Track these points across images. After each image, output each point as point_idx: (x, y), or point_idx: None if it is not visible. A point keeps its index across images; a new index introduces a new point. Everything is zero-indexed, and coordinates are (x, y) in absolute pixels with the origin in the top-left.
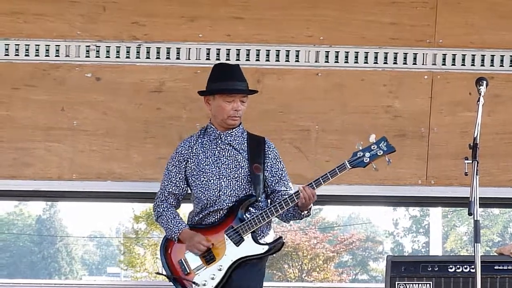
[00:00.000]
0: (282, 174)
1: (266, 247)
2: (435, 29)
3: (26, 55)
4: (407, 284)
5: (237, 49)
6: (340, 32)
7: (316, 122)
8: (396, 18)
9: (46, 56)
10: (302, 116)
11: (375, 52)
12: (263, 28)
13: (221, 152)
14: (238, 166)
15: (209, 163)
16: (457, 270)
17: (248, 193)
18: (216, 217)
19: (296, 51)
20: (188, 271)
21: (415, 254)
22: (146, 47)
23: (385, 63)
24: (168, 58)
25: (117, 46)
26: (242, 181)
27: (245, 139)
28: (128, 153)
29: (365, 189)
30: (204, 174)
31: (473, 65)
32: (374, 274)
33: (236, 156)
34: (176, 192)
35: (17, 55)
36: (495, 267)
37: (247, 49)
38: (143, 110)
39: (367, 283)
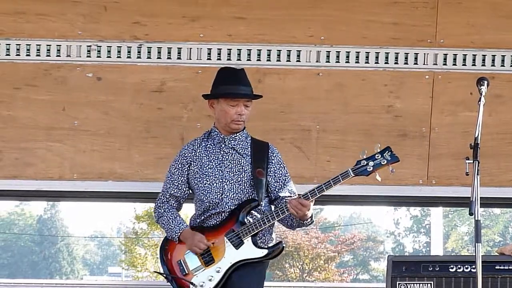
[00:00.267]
0: (285, 180)
1: (265, 251)
2: (436, 29)
3: (27, 55)
4: (408, 284)
5: (238, 49)
6: (341, 32)
7: (317, 122)
8: (397, 18)
9: (48, 56)
10: (303, 116)
11: (376, 52)
12: (264, 28)
13: (224, 156)
14: (241, 170)
15: (212, 166)
16: (458, 270)
17: (250, 197)
18: (217, 220)
19: (297, 51)
20: (186, 272)
21: (416, 254)
22: (147, 47)
23: (386, 63)
24: (169, 58)
25: (118, 46)
26: (245, 185)
27: (249, 143)
28: (129, 153)
29: (366, 189)
30: (207, 177)
31: (474, 65)
32: (375, 274)
33: (240, 160)
34: (178, 195)
35: (19, 55)
36: (496, 267)
37: (248, 49)
38: (144, 110)
39: (368, 283)
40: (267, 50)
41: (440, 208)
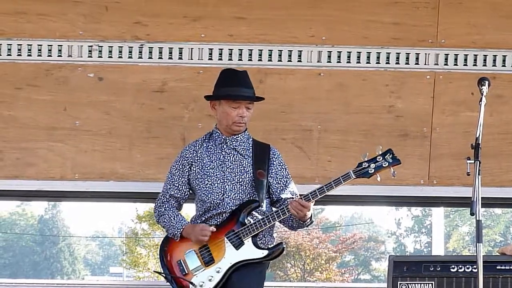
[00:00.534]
0: (287, 182)
1: (265, 252)
2: (437, 29)
3: (28, 55)
4: (409, 284)
5: (239, 49)
6: (342, 32)
7: (318, 122)
8: (398, 18)
9: (49, 56)
10: (304, 116)
11: (377, 52)
12: (265, 28)
13: (226, 157)
14: (242, 171)
15: (213, 167)
16: (459, 270)
17: (251, 197)
18: (218, 220)
19: (298, 51)
20: (186, 272)
21: (417, 254)
22: (149, 47)
23: (387, 63)
24: (170, 58)
25: (119, 46)
26: (246, 185)
27: (250, 145)
28: (131, 153)
29: (368, 189)
30: (208, 177)
31: (475, 65)
32: (377, 274)
33: (241, 161)
34: (178, 195)
35: (20, 55)
36: (497, 267)
37: (249, 49)
38: (145, 110)
39: (370, 283)
40: (269, 50)
41: (441, 208)
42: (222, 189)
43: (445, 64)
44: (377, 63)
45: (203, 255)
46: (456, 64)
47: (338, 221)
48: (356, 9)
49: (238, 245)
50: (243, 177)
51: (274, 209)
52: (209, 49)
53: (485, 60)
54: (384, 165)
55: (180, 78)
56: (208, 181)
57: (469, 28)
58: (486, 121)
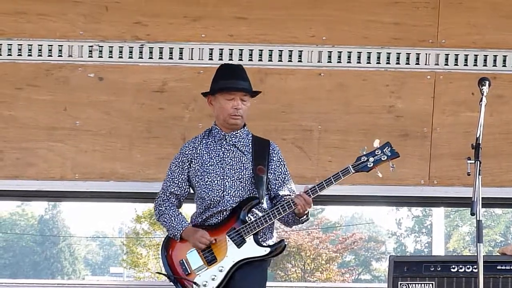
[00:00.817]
0: (285, 178)
1: (267, 249)
2: (437, 29)
3: (29, 55)
4: (409, 284)
5: (239, 49)
6: (342, 32)
7: (319, 122)
8: (398, 18)
9: (49, 56)
10: (305, 116)
11: (377, 52)
12: (265, 28)
13: (225, 153)
14: (242, 167)
15: (213, 163)
16: (460, 270)
17: (251, 194)
18: (219, 218)
19: (298, 51)
20: (189, 272)
21: (417, 254)
22: (149, 47)
23: (388, 63)
24: (170, 58)
25: (119, 46)
26: (246, 182)
27: (250, 141)
28: (131, 153)
29: (368, 189)
30: (208, 174)
31: (475, 65)
32: (377, 274)
33: (241, 158)
34: (178, 192)
35: (20, 55)
36: (498, 267)
37: (249, 49)
38: (145, 110)
39: (370, 283)
40: (269, 50)
41: (442, 208)
42: (222, 186)
43: (445, 64)
44: (377, 63)
45: (205, 254)
46: (456, 64)
47: (339, 221)
48: (356, 9)
49: (240, 243)
50: (242, 173)
51: (274, 205)
52: (209, 49)
53: (485, 60)
54: (383, 159)
55: (180, 78)
56: (208, 178)
57: (469, 28)
58: (486, 121)
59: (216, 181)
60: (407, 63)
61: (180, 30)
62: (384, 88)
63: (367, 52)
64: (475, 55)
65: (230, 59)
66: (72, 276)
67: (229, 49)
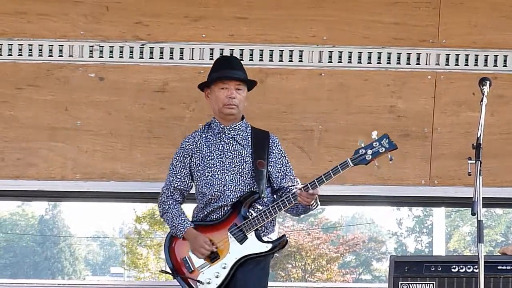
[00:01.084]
0: (287, 170)
1: (270, 245)
2: (438, 29)
3: (29, 55)
4: (410, 284)
5: (240, 49)
6: (343, 32)
7: (320, 122)
8: (399, 18)
9: (50, 56)
10: (306, 116)
11: (378, 52)
12: (266, 28)
13: (225, 146)
14: (242, 160)
15: (213, 157)
16: (460, 270)
17: (251, 188)
18: (220, 213)
19: (299, 51)
20: (192, 269)
21: (418, 254)
22: (150, 47)
23: (389, 63)
24: (171, 58)
25: (120, 46)
26: (246, 176)
27: (249, 133)
28: (132, 153)
29: (369, 189)
30: (208, 168)
31: (476, 65)
32: (378, 274)
33: (240, 151)
34: (181, 187)
35: (21, 55)
36: (498, 267)
37: (250, 49)
38: (146, 110)
39: (371, 283)
40: (269, 50)
41: (443, 208)
42: (223, 180)
43: (446, 64)
44: (378, 63)
45: None
46: (457, 64)
47: (339, 221)
48: (357, 9)
49: (241, 239)
50: (242, 167)
51: (277, 199)
52: (210, 49)
53: (486, 60)
54: (381, 151)
55: (181, 78)
56: (209, 173)
57: (470, 28)
58: (487, 121)
59: (216, 176)
60: (408, 63)
61: (181, 30)
62: (385, 88)
63: (368, 52)
64: (476, 55)
65: None
66: (72, 276)
67: (230, 49)
